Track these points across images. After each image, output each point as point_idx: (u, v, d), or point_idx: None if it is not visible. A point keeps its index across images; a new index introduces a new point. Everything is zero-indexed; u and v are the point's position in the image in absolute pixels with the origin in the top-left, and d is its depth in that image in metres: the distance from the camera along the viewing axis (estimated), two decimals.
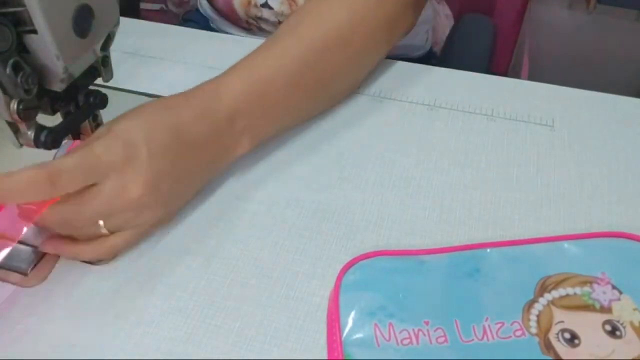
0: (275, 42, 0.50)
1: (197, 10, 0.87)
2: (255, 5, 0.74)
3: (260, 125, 0.48)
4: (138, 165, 0.39)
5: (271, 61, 0.48)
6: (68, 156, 0.38)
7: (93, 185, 0.39)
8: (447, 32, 0.91)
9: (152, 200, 0.41)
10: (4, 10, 0.34)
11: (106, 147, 0.39)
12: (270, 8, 0.73)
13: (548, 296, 0.37)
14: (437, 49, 0.90)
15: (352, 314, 0.36)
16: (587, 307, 0.36)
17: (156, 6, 1.23)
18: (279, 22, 0.74)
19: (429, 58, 0.86)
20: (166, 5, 1.18)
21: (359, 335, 0.35)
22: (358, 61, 0.55)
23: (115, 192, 0.39)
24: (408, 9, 0.57)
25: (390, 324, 0.36)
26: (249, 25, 0.78)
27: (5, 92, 0.36)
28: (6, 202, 0.39)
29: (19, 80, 0.36)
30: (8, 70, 0.35)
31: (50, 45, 0.36)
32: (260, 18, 0.75)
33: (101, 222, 0.40)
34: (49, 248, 0.42)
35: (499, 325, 0.36)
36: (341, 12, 0.51)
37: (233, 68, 0.48)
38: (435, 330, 0.36)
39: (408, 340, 0.35)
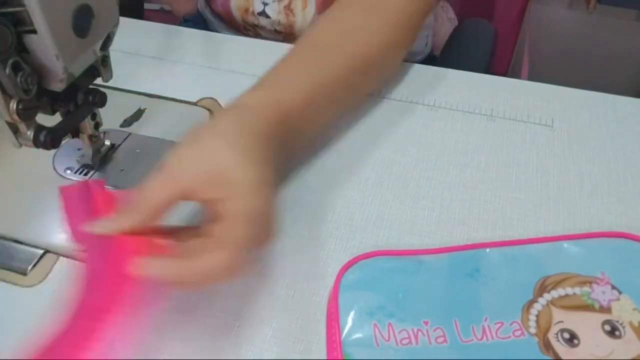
0: (322, 57, 0.49)
1: (197, 11, 0.87)
2: (253, 13, 0.74)
3: (295, 143, 0.47)
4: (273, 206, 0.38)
5: (319, 78, 0.47)
6: (246, 231, 0.35)
7: None
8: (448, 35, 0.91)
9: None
10: (3, 10, 0.34)
11: (265, 201, 0.37)
12: (268, 17, 0.74)
13: (547, 296, 0.37)
14: (438, 53, 0.90)
15: (352, 313, 0.36)
16: (586, 307, 0.36)
17: (156, 6, 1.23)
18: (276, 30, 0.75)
19: (428, 62, 0.85)
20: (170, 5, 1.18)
21: (358, 335, 0.35)
22: (385, 76, 0.58)
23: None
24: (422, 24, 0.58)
25: (390, 324, 0.36)
26: (246, 31, 0.78)
27: (5, 92, 0.36)
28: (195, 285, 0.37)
29: (18, 80, 0.36)
30: (8, 70, 0.35)
31: (50, 45, 0.36)
32: (257, 25, 0.76)
33: None
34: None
35: (498, 325, 0.36)
36: (381, 31, 0.52)
37: (289, 82, 0.46)
38: (434, 330, 0.36)
39: (407, 340, 0.35)
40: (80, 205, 0.37)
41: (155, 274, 0.34)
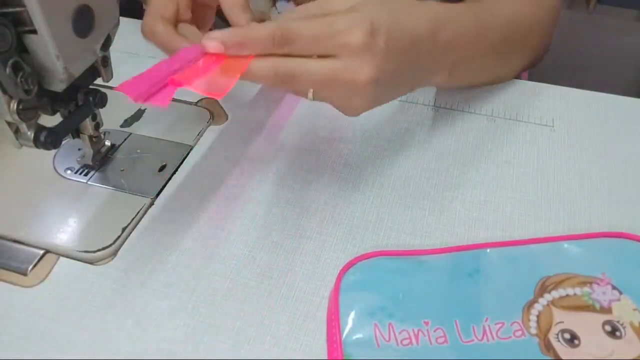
0: (489, 8, 0.52)
1: None
2: None
3: (463, 70, 0.50)
4: (374, 56, 0.39)
5: (483, 27, 0.50)
6: (306, 22, 0.38)
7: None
8: None
9: (370, 93, 0.40)
10: (4, 10, 0.34)
11: (349, 25, 0.38)
12: None
13: (548, 296, 0.37)
14: None
15: (352, 314, 0.36)
16: (587, 308, 0.36)
17: None
18: None
19: None
20: None
21: (358, 336, 0.35)
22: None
23: (343, 71, 0.39)
24: None
25: (390, 324, 0.36)
26: None
27: (5, 92, 0.36)
28: (235, 53, 0.38)
29: (19, 80, 0.36)
30: (8, 70, 0.35)
31: (50, 46, 0.36)
32: None
33: (311, 92, 0.40)
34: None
35: (499, 325, 0.36)
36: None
37: (457, 7, 0.48)
38: (435, 331, 0.36)
39: (408, 341, 0.35)
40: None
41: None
